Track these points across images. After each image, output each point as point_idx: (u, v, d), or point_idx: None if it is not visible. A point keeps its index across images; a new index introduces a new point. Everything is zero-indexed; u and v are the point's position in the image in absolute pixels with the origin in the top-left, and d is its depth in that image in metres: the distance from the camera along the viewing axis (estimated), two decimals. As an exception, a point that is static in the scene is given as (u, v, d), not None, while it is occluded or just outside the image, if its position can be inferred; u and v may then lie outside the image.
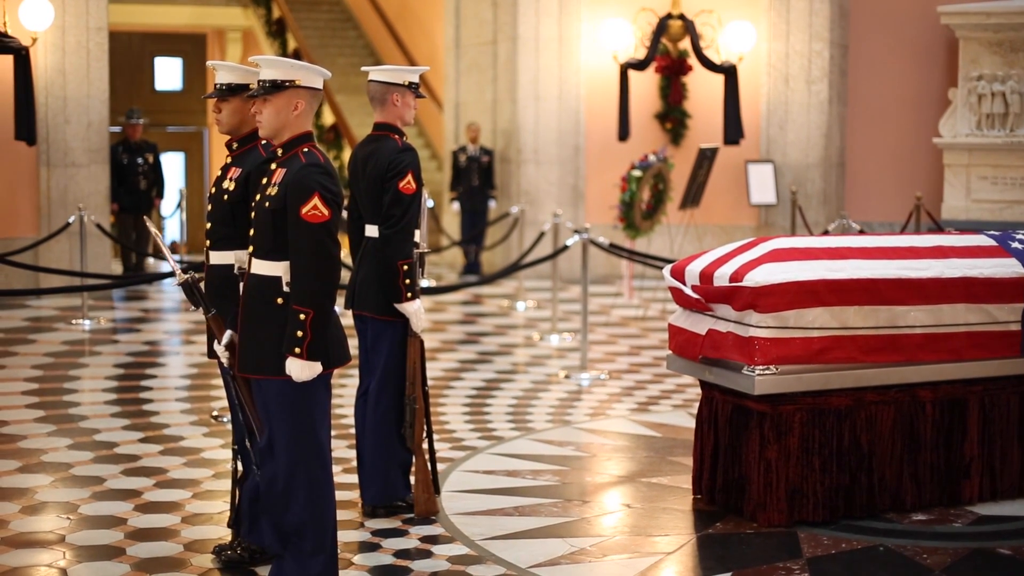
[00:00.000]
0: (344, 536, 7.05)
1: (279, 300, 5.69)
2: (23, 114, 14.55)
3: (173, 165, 31.67)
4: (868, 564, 6.73)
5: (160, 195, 17.72)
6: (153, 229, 6.74)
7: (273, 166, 5.80)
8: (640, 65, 17.31)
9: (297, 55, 25.94)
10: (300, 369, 5.59)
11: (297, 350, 5.56)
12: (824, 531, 7.18)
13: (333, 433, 9.21)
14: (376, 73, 7.41)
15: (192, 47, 31.89)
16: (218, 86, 6.45)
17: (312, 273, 5.58)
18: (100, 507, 7.50)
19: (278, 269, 5.71)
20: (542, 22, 17.67)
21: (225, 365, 6.10)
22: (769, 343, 7.08)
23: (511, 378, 11.41)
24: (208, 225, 6.46)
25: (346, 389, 10.66)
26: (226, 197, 6.35)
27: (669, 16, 17.46)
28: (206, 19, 28.84)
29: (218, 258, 6.38)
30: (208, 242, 6.45)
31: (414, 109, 7.43)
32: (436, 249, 17.86)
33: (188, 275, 6.21)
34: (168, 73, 32.53)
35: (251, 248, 5.83)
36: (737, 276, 7.20)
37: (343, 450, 8.81)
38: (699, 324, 7.53)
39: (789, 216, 16.96)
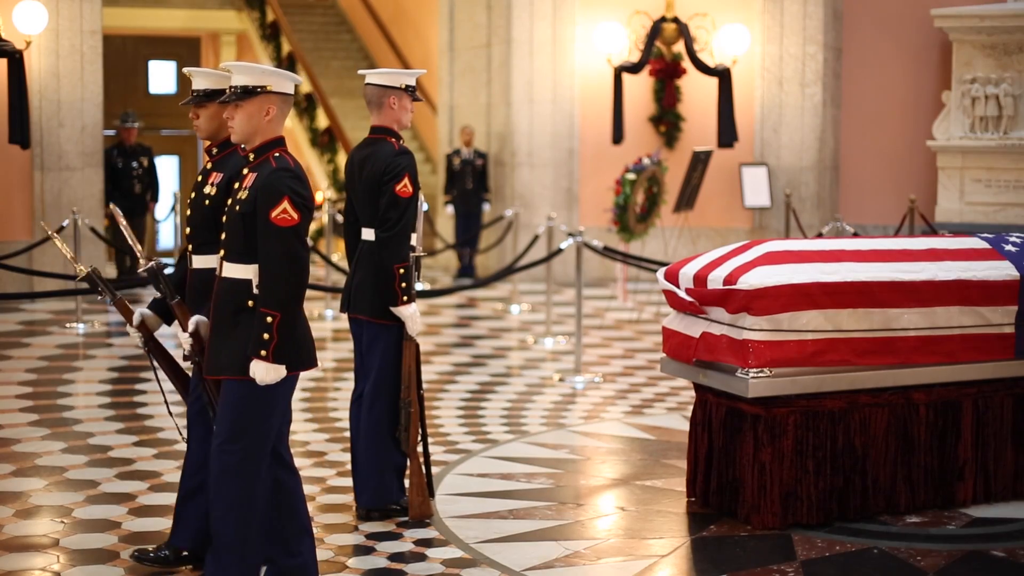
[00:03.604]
0: (338, 539, 7.06)
1: (249, 303, 5.70)
2: (17, 117, 14.54)
3: (167, 169, 31.67)
4: (862, 566, 6.74)
5: (155, 199, 17.70)
6: (120, 218, 6.77)
7: (245, 171, 5.82)
8: (634, 68, 17.33)
9: (291, 59, 25.96)
10: (265, 372, 5.58)
11: (263, 352, 5.56)
12: (818, 533, 7.18)
13: (328, 436, 9.26)
14: (373, 76, 7.40)
15: (186, 51, 31.87)
16: (194, 92, 6.45)
17: (280, 277, 5.59)
18: (94, 511, 7.50)
19: (248, 272, 5.71)
20: (536, 25, 17.68)
21: (186, 353, 6.09)
22: (763, 346, 7.09)
23: (505, 381, 11.41)
24: (188, 230, 6.46)
25: (341, 392, 10.67)
26: (208, 202, 6.35)
27: (663, 19, 17.47)
28: (200, 23, 28.84)
29: (201, 262, 6.37)
30: (190, 246, 6.45)
31: (411, 112, 7.42)
32: (430, 252, 17.85)
33: (152, 262, 6.25)
34: (162, 77, 32.51)
35: (222, 251, 5.84)
36: (731, 279, 7.21)
37: (337, 453, 8.81)
38: (693, 327, 7.54)
39: (783, 219, 16.96)
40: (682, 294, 7.54)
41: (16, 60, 14.53)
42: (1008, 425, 7.81)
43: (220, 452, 5.77)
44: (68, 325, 13.68)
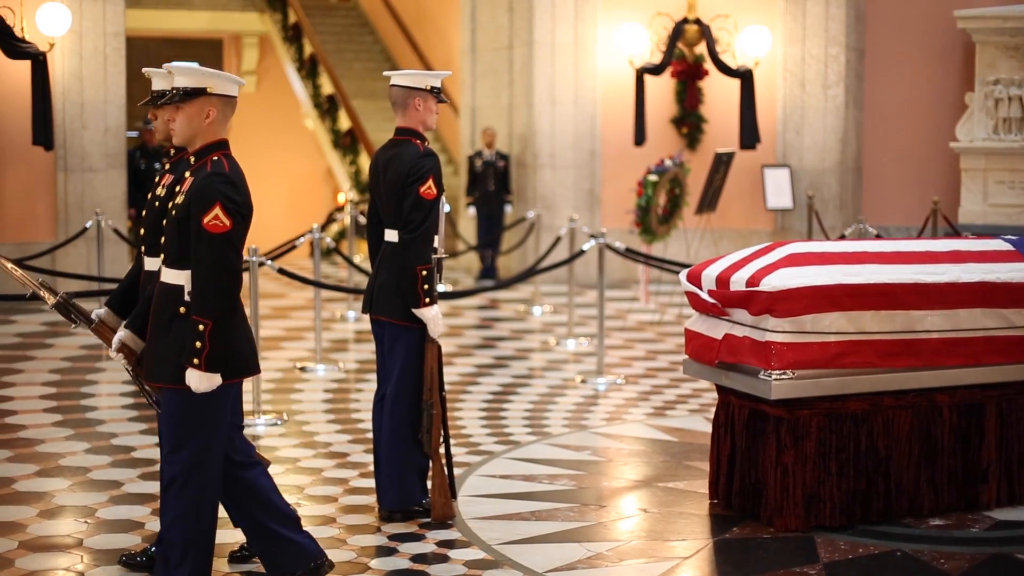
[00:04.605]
0: (361, 540, 7.07)
1: (181, 309, 5.65)
2: (40, 119, 14.62)
3: (190, 170, 31.71)
4: (885, 569, 6.72)
5: (177, 200, 17.72)
6: (6, 264, 6.53)
7: (186, 174, 5.77)
8: (656, 70, 17.32)
9: (313, 60, 26.00)
10: (199, 380, 5.56)
11: (196, 361, 5.53)
12: (841, 536, 7.17)
13: (350, 438, 9.28)
14: (398, 78, 7.40)
15: (209, 52, 31.92)
16: (153, 93, 6.36)
17: (211, 284, 5.54)
18: (117, 511, 7.52)
19: (181, 278, 5.67)
20: (558, 27, 17.68)
21: (126, 367, 6.09)
22: (786, 348, 7.08)
23: (527, 383, 11.41)
24: (142, 231, 6.44)
25: (363, 394, 10.68)
26: (157, 204, 6.30)
27: (685, 20, 17.45)
28: (223, 24, 28.90)
29: (153, 264, 6.26)
30: (143, 248, 6.42)
31: (436, 114, 7.42)
32: (452, 254, 17.86)
33: (59, 296, 6.21)
34: (184, 79, 32.57)
35: (161, 255, 5.81)
36: (754, 281, 7.20)
37: (360, 455, 8.82)
38: (716, 329, 7.53)
39: (806, 221, 16.92)
40: (705, 296, 7.53)
41: (40, 62, 14.60)
42: (1032, 427, 7.79)
43: (166, 463, 5.79)
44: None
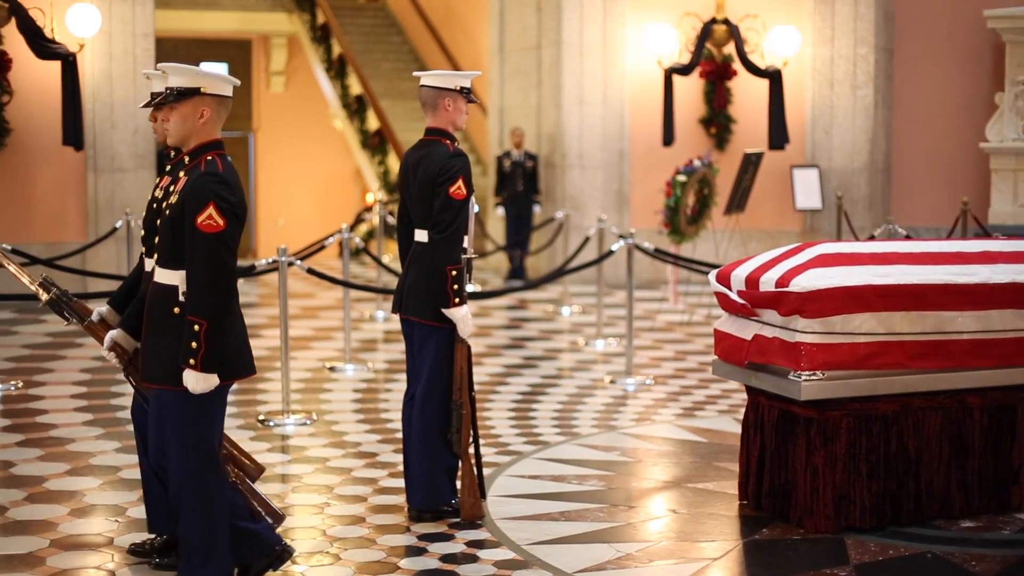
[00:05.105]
0: (390, 540, 7.08)
1: (176, 310, 5.66)
2: (71, 119, 14.69)
3: (219, 170, 31.79)
4: (916, 571, 6.70)
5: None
6: (6, 260, 6.62)
7: (181, 174, 5.77)
8: (684, 70, 17.31)
9: (342, 60, 26.04)
10: (195, 381, 5.56)
11: (192, 361, 5.53)
12: (871, 538, 7.15)
13: (379, 437, 9.29)
14: (428, 78, 7.41)
15: (238, 53, 32.00)
16: (151, 95, 6.41)
17: (206, 284, 5.53)
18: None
19: (175, 279, 5.68)
20: (586, 27, 17.67)
21: (119, 365, 6.10)
22: (815, 348, 7.06)
23: (556, 383, 11.41)
24: (143, 232, 6.46)
25: (393, 394, 10.70)
26: (155, 205, 6.33)
27: (713, 21, 17.45)
28: (251, 25, 28.97)
29: (152, 264, 6.31)
30: (144, 249, 6.44)
31: (466, 114, 7.42)
32: (481, 254, 17.86)
33: (51, 293, 6.23)
34: (213, 79, 32.65)
35: (155, 255, 5.82)
36: (783, 281, 7.18)
37: (389, 455, 8.83)
38: (745, 329, 7.52)
39: (835, 221, 16.88)
40: (734, 296, 7.52)
41: (70, 63, 14.67)
42: (1063, 429, 7.75)
43: (175, 465, 5.76)
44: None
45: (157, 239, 5.82)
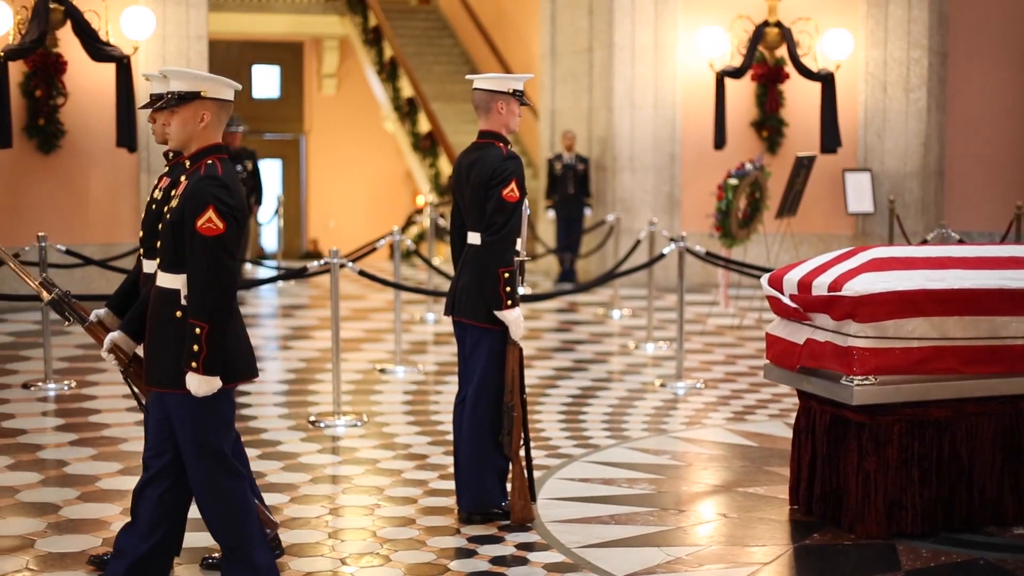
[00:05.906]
0: (440, 542, 7.09)
1: (178, 313, 5.66)
2: (124, 121, 14.77)
3: (271, 172, 31.99)
4: (968, 577, 6.67)
5: (259, 202, 17.86)
6: (10, 260, 6.63)
7: (182, 178, 5.78)
8: (736, 73, 17.27)
9: (393, 63, 26.12)
10: (198, 384, 5.55)
11: (194, 364, 5.53)
12: (923, 544, 7.11)
13: (430, 439, 9.30)
14: (480, 81, 7.41)
15: (290, 55, 32.19)
16: (153, 96, 6.42)
17: (206, 287, 5.53)
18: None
19: (177, 282, 5.68)
20: (638, 30, 17.66)
21: (119, 368, 6.12)
22: (868, 353, 7.03)
23: (607, 386, 11.40)
24: (140, 234, 6.47)
25: (443, 396, 10.71)
26: (154, 207, 6.34)
27: (766, 23, 17.40)
28: (304, 28, 29.12)
29: (151, 267, 6.30)
30: (142, 250, 6.46)
31: (519, 116, 7.42)
32: (532, 257, 17.87)
33: (54, 293, 6.25)
34: (266, 81, 32.85)
35: (158, 259, 5.83)
36: (836, 285, 7.15)
37: (439, 456, 8.84)
38: (797, 333, 7.49)
39: (887, 225, 16.79)
40: (786, 300, 7.50)
41: (124, 65, 14.75)
42: (1118, 436, 7.68)
43: (191, 470, 5.76)
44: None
45: (159, 242, 5.85)
